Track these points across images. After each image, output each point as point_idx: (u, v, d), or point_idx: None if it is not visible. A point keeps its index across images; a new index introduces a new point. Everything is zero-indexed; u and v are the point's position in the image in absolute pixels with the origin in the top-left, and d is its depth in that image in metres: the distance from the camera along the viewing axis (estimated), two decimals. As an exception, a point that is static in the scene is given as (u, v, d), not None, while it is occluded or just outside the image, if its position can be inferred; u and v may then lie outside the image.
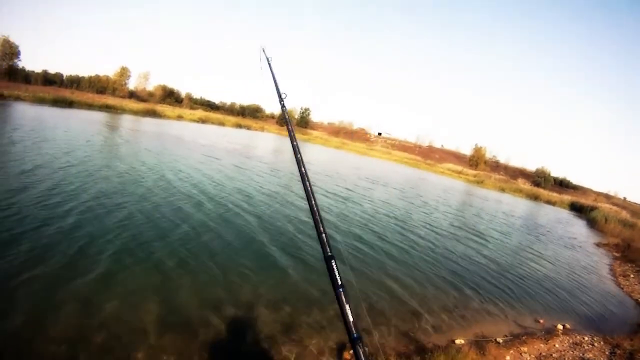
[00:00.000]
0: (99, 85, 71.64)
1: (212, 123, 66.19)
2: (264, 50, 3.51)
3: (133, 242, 8.22)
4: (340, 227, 13.03)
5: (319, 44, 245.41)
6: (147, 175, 15.11)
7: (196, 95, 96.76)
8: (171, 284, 6.76)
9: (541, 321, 8.93)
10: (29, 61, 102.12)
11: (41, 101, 43.43)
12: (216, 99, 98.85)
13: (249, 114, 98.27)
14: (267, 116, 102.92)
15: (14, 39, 69.63)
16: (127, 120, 41.53)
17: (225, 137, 43.24)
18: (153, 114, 56.14)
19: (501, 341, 7.35)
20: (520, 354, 7.03)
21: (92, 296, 5.84)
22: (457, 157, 79.56)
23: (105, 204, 10.45)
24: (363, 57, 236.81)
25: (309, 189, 1.85)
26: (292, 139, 2.42)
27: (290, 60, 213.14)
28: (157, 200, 11.75)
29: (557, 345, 7.67)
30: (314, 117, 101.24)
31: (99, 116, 40.34)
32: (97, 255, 7.16)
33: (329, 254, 1.50)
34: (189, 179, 15.65)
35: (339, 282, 1.37)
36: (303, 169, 2.02)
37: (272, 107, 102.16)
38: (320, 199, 16.62)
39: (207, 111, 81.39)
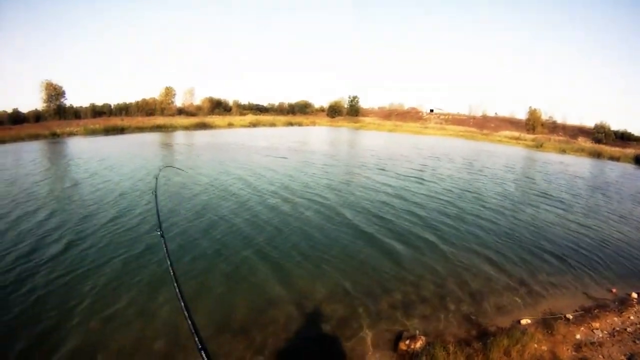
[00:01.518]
0: (146, 108, 73.14)
1: (264, 125, 65.77)
2: None
3: (253, 242, 9.35)
4: (425, 206, 13.26)
5: (361, 27, 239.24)
6: (231, 184, 15.81)
7: (244, 101, 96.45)
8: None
9: (613, 290, 8.04)
10: (76, 98, 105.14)
11: (93, 132, 45.66)
12: (264, 101, 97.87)
13: (299, 110, 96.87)
14: (316, 110, 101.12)
15: (57, 80, 70.85)
16: (180, 136, 42.62)
17: (281, 137, 42.87)
18: (203, 126, 56.93)
19: (571, 317, 6.70)
20: (592, 330, 6.31)
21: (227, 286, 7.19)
22: (512, 123, 75.21)
23: (215, 216, 11.45)
24: (406, 32, 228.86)
25: (179, 295, 1.85)
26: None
27: (334, 49, 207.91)
28: (250, 205, 12.63)
29: (632, 317, 6.87)
30: (364, 104, 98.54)
31: (152, 137, 41.38)
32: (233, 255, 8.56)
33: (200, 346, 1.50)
34: (270, 181, 16.45)
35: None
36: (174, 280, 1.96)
37: (320, 100, 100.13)
38: (397, 183, 17.29)
39: (256, 115, 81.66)
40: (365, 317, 6.24)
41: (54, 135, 43.31)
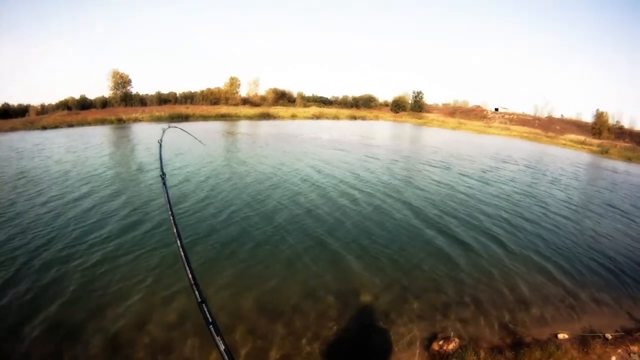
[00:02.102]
0: (211, 97, 74.49)
1: (327, 118, 65.51)
2: None
3: (315, 232, 9.59)
4: (487, 208, 12.93)
5: (428, 22, 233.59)
6: (294, 174, 16.17)
7: (308, 93, 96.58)
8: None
9: (661, 314, 7.38)
10: (142, 86, 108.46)
11: (158, 119, 47.28)
12: (328, 94, 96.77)
13: (363, 104, 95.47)
14: (380, 104, 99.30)
15: (124, 69, 74.26)
16: (243, 125, 43.37)
17: (344, 130, 42.67)
18: (267, 116, 57.57)
19: (610, 337, 6.23)
20: (629, 353, 5.83)
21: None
22: (578, 126, 70.82)
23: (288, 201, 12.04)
24: (474, 28, 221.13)
25: (180, 243, 1.80)
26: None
27: (399, 43, 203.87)
28: (312, 197, 12.83)
29: (672, 346, 6.26)
30: (428, 100, 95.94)
31: (216, 125, 42.32)
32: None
33: (199, 299, 1.51)
34: (333, 174, 16.56)
35: (210, 320, 1.40)
36: (174, 225, 1.93)
37: (385, 95, 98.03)
38: (460, 182, 16.94)
39: (320, 107, 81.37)
40: (407, 314, 6.32)
41: (120, 120, 45.44)
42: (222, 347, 1.29)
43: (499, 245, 9.66)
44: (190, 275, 1.58)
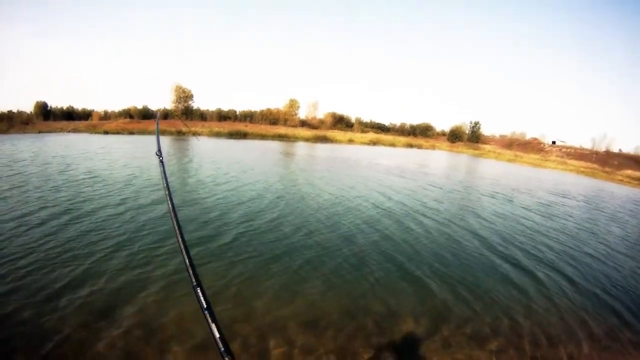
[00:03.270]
0: (270, 117, 76.70)
1: (383, 144, 65.29)
2: None
3: (393, 257, 9.29)
4: (547, 244, 11.97)
5: (484, 57, 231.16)
6: (368, 199, 15.81)
7: (366, 118, 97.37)
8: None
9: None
10: (203, 102, 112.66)
11: (217, 134, 49.74)
12: (386, 120, 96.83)
13: (420, 132, 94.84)
14: (437, 134, 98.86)
15: (187, 85, 79.41)
16: (301, 147, 43.82)
17: (402, 158, 41.59)
18: (324, 139, 58.10)
19: None
20: None
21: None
22: (637, 162, 65.97)
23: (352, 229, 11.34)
24: (533, 62, 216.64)
25: (176, 224, 1.71)
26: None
27: (457, 70, 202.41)
28: (382, 222, 12.36)
29: None
30: (485, 130, 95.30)
31: (274, 145, 42.68)
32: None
33: (195, 282, 1.46)
34: (397, 200, 16.07)
35: (205, 305, 1.37)
36: (170, 203, 1.85)
37: (442, 125, 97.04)
38: (523, 213, 16.25)
39: (377, 133, 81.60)
40: (448, 340, 6.00)
41: (180, 132, 46.19)
42: (217, 335, 1.28)
43: (562, 277, 9.16)
44: (186, 258, 1.53)
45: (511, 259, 9.92)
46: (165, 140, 39.99)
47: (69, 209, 11.13)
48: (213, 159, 25.65)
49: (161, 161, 2.27)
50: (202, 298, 1.38)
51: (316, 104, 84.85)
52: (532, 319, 6.89)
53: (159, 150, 2.44)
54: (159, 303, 6.11)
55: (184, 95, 71.62)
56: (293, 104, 78.12)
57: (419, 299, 7.17)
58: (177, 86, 71.31)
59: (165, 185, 2.01)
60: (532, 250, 10.93)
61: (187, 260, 1.51)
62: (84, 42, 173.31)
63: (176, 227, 1.67)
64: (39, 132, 49.60)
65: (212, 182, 16.65)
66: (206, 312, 1.33)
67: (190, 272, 1.47)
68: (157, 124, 3.19)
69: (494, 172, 37.63)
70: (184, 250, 1.55)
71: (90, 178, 15.84)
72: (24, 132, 49.46)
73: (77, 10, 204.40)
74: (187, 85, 73.74)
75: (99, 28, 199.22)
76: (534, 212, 16.69)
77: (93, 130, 48.29)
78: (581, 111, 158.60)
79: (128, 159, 23.33)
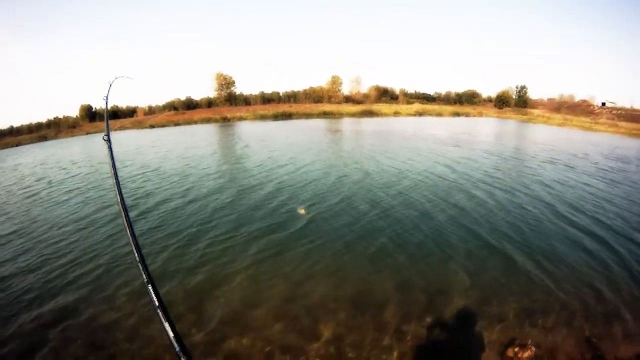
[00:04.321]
0: (314, 95, 76.47)
1: (430, 115, 63.83)
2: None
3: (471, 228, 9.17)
4: (624, 217, 10.62)
5: (528, 17, 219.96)
6: (431, 171, 15.39)
7: (410, 89, 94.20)
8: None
9: None
10: (246, 87, 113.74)
11: (262, 117, 50.45)
12: (431, 90, 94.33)
13: (466, 100, 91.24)
14: (483, 100, 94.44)
15: (228, 72, 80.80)
16: (347, 123, 43.27)
17: (452, 126, 40.17)
18: (370, 113, 57.50)
19: None
20: None
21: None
22: None
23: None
24: (580, 21, 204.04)
25: (127, 218, 1.75)
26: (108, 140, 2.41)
27: (501, 38, 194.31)
28: (455, 196, 11.94)
29: None
30: (532, 94, 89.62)
31: (320, 123, 42.78)
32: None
33: (146, 279, 1.46)
34: (459, 172, 15.51)
35: (157, 304, 1.34)
36: (119, 196, 1.90)
37: (489, 91, 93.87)
38: (586, 182, 14.72)
39: (423, 104, 79.69)
40: (493, 315, 5.94)
41: (225, 119, 46.98)
42: (171, 334, 1.24)
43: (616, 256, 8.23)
44: (136, 255, 1.52)
45: (584, 229, 9.37)
46: (212, 128, 40.86)
47: (134, 205, 11.65)
48: (265, 142, 25.91)
49: (109, 147, 2.41)
50: (153, 296, 1.36)
51: (359, 79, 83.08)
52: (616, 292, 6.63)
53: (107, 134, 2.56)
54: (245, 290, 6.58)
55: (225, 83, 72.42)
56: (336, 81, 77.06)
57: (509, 273, 7.06)
58: (218, 74, 72.23)
59: (111, 164, 2.13)
60: (605, 220, 10.25)
61: (136, 256, 1.52)
62: (121, 37, 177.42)
63: (123, 213, 1.72)
64: (87, 134, 51.84)
65: (273, 165, 16.75)
66: (158, 310, 1.30)
67: (141, 268, 1.47)
68: (107, 116, 3.13)
69: (546, 137, 36.36)
70: (133, 246, 1.56)
71: (149, 172, 16.52)
72: (72, 136, 51.81)
73: (108, 6, 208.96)
74: (228, 72, 74.71)
75: (133, 21, 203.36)
76: (597, 179, 15.78)
77: (139, 125, 49.65)
78: (633, 68, 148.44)
79: (180, 149, 23.91)
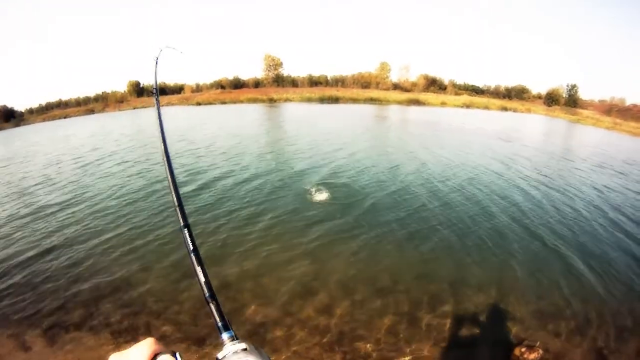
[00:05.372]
0: (362, 81, 76.48)
1: (477, 107, 62.82)
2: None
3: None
4: None
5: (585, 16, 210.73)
6: (488, 168, 15.18)
7: (459, 80, 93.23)
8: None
9: None
10: (294, 69, 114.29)
11: (309, 99, 50.10)
12: (480, 82, 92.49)
13: (515, 95, 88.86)
14: (533, 97, 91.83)
15: (275, 53, 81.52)
16: (394, 110, 42.81)
17: (501, 121, 40.41)
18: (416, 102, 56.89)
19: None
20: None
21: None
22: None
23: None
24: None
25: (168, 163, 1.74)
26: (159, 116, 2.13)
27: (554, 33, 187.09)
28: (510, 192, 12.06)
29: None
30: (583, 95, 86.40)
31: (367, 108, 42.77)
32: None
33: (183, 223, 1.46)
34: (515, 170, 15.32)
35: (191, 247, 1.36)
36: (164, 145, 1.85)
37: (539, 87, 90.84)
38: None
39: (471, 96, 78.74)
40: (507, 313, 6.06)
41: (271, 100, 47.67)
42: (202, 279, 1.27)
43: None
44: (174, 198, 1.55)
45: (633, 237, 9.16)
46: (258, 108, 41.73)
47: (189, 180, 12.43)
48: (316, 124, 26.47)
49: (158, 109, 2.30)
50: (188, 240, 1.38)
51: (408, 67, 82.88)
52: (575, 298, 6.56)
53: (156, 91, 2.48)
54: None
55: (273, 64, 73.76)
56: (384, 67, 77.28)
57: (569, 280, 6.99)
58: (266, 55, 73.81)
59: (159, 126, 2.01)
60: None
61: (175, 200, 1.53)
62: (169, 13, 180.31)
63: (167, 167, 1.69)
64: (134, 108, 54.12)
65: (328, 149, 17.06)
66: (192, 254, 1.33)
67: (178, 212, 1.48)
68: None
69: (596, 140, 35.13)
70: (172, 188, 1.57)
71: (201, 148, 17.48)
72: (120, 110, 54.21)
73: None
74: (276, 54, 76.89)
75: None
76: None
77: (186, 102, 51.32)
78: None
79: (231, 127, 24.74)
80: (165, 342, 4.80)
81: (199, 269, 1.28)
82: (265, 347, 4.36)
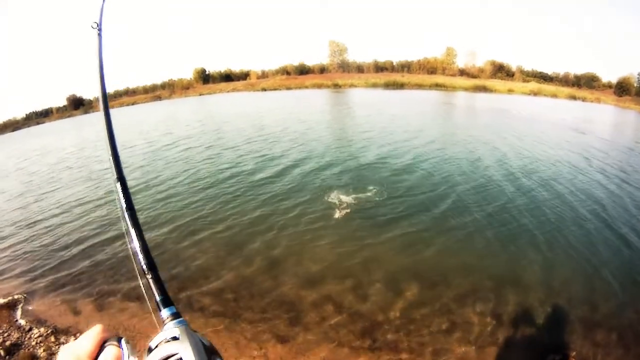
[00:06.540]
0: (428, 66, 75.49)
1: (544, 95, 61.15)
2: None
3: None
4: None
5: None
6: (565, 160, 14.94)
7: (527, 67, 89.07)
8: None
9: None
10: (359, 55, 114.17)
11: (373, 85, 49.38)
12: (549, 69, 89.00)
13: (585, 83, 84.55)
14: (603, 85, 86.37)
15: (340, 39, 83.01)
16: (461, 97, 42.87)
17: (571, 111, 38.83)
18: (483, 89, 56.25)
19: None
20: None
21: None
22: None
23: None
24: None
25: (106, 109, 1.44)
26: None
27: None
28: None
29: None
30: None
31: (433, 95, 42.46)
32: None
33: (116, 176, 1.23)
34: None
35: (124, 205, 1.15)
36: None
37: (609, 75, 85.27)
38: None
39: (539, 83, 75.63)
40: (551, 318, 5.96)
41: (336, 86, 48.63)
42: (138, 245, 1.09)
43: None
44: (110, 149, 1.29)
45: None
46: (325, 93, 42.74)
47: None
48: (385, 111, 26.78)
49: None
50: (121, 195, 1.18)
51: (475, 53, 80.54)
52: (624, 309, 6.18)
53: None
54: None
55: (338, 50, 74.71)
56: (450, 53, 76.04)
57: (597, 281, 6.84)
58: (331, 41, 74.81)
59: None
60: None
61: (110, 150, 1.28)
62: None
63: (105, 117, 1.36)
64: (200, 95, 57.23)
65: (400, 138, 17.21)
66: (127, 213, 1.14)
67: (112, 163, 1.24)
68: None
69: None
70: (108, 143, 1.29)
71: (267, 133, 18.72)
72: (186, 96, 57.22)
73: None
74: (342, 39, 77.84)
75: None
76: None
77: (251, 88, 53.40)
78: None
79: (300, 113, 25.73)
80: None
81: (133, 232, 1.10)
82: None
